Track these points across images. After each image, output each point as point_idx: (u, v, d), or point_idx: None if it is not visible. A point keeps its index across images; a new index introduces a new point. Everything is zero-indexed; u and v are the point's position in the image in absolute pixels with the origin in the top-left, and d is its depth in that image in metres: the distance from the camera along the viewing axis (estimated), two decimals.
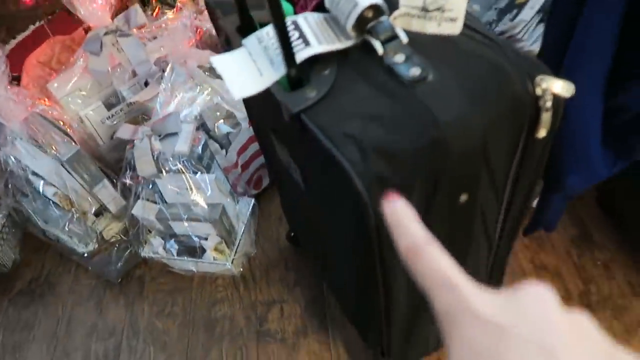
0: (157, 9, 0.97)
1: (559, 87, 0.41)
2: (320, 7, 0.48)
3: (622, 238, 0.96)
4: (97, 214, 0.96)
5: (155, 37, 0.98)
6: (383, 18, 0.43)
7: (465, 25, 0.44)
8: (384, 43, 0.43)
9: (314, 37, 0.44)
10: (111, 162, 1.02)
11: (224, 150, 0.95)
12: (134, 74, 0.98)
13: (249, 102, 0.70)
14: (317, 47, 0.44)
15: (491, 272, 0.65)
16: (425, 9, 0.44)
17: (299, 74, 0.43)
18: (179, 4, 0.98)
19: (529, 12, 1.12)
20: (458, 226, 0.49)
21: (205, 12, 0.95)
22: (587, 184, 0.64)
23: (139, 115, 1.02)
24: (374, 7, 0.43)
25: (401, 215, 0.25)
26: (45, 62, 1.17)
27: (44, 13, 1.24)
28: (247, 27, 0.50)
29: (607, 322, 0.87)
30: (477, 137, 0.41)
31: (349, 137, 0.40)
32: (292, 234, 1.02)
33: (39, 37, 1.21)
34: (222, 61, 0.45)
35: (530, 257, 0.97)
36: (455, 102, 0.40)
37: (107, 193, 0.92)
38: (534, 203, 0.82)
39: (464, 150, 0.40)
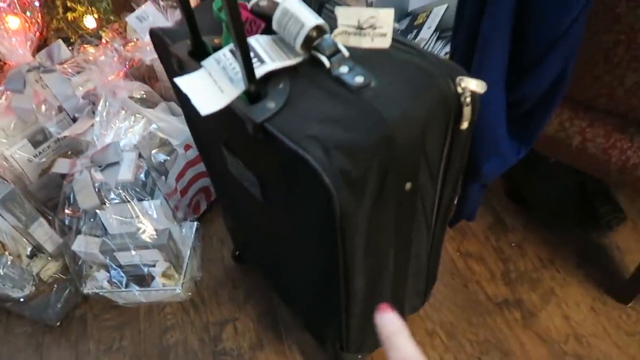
0: (81, 46, 0.97)
1: (474, 85, 0.50)
2: (265, 31, 0.54)
3: (528, 220, 1.10)
4: (32, 255, 0.92)
5: (79, 72, 0.98)
6: (326, 36, 0.50)
7: (394, 39, 0.52)
8: (329, 57, 0.50)
9: (267, 55, 0.50)
10: (42, 200, 0.99)
11: (162, 177, 0.96)
12: (60, 109, 0.97)
13: (194, 122, 0.74)
14: (272, 64, 0.49)
15: (430, 254, 0.73)
16: (360, 27, 0.51)
17: (257, 89, 0.49)
18: (105, 39, 0.99)
19: (427, 32, 1.26)
20: (404, 211, 0.57)
21: (133, 45, 0.97)
22: (500, 170, 0.75)
23: (68, 150, 1.00)
24: (318, 28, 0.49)
25: (392, 327, 0.28)
26: None
27: None
28: (200, 51, 0.54)
29: (527, 295, 0.99)
30: (416, 131, 0.48)
31: (311, 138, 0.45)
32: (237, 252, 1.05)
33: None
34: (186, 82, 0.49)
35: (457, 246, 1.08)
36: (396, 102, 0.47)
37: (43, 232, 0.90)
38: (455, 199, 0.92)
39: (407, 142, 0.48)
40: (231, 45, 0.51)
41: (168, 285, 0.93)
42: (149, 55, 0.99)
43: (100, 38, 1.02)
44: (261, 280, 1.03)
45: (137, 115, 0.94)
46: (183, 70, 0.56)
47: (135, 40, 0.99)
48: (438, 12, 1.24)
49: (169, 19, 1.02)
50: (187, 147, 1.00)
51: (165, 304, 1.02)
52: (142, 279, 0.92)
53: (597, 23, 0.64)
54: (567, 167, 0.90)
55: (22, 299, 0.92)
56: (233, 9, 0.40)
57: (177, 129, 0.98)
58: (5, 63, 0.97)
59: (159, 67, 1.04)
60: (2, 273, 0.86)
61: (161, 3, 1.01)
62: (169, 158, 0.99)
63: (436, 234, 0.71)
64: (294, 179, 0.51)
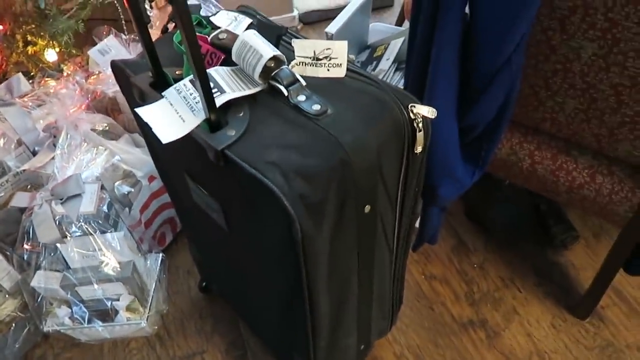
0: (42, 80, 0.97)
1: (426, 111, 0.53)
2: (225, 63, 0.56)
3: (488, 241, 1.14)
4: None
5: (40, 105, 0.97)
6: (284, 67, 0.53)
7: (349, 69, 0.55)
8: (287, 87, 0.52)
9: (227, 85, 0.52)
10: (0, 236, 0.96)
11: (126, 209, 0.96)
12: (20, 143, 0.96)
13: (156, 152, 0.74)
14: (231, 94, 0.51)
15: (394, 278, 0.75)
16: (316, 58, 0.54)
17: (218, 118, 0.50)
18: (67, 72, 0.99)
19: (385, 63, 1.32)
20: (365, 234, 0.58)
21: (96, 78, 0.98)
22: (456, 193, 0.78)
23: (28, 184, 0.98)
24: (276, 58, 0.52)
25: None
26: None
27: None
28: (162, 82, 0.56)
29: (490, 314, 1.01)
30: (373, 155, 0.51)
31: (271, 165, 0.47)
32: (204, 283, 1.04)
33: None
34: (147, 111, 0.50)
35: (421, 269, 1.10)
36: (352, 128, 0.49)
37: (1, 268, 0.87)
38: (417, 224, 0.95)
39: (364, 165, 0.50)
40: (192, 76, 0.52)
41: (133, 320, 0.91)
42: (112, 87, 0.99)
43: (61, 71, 1.02)
44: (229, 308, 1.02)
45: (99, 147, 0.93)
46: (144, 101, 0.57)
47: (97, 73, 1.00)
48: (395, 45, 1.30)
49: (132, 52, 1.03)
50: (151, 179, 1.00)
51: (130, 339, 1.00)
52: (106, 314, 0.90)
53: (538, 52, 0.69)
54: (521, 189, 0.94)
55: None
56: (191, 40, 0.42)
57: (141, 161, 0.98)
58: None
59: (122, 99, 1.05)
60: None
61: (123, 37, 1.02)
62: (132, 190, 0.98)
63: (399, 257, 0.72)
64: (255, 205, 0.52)
